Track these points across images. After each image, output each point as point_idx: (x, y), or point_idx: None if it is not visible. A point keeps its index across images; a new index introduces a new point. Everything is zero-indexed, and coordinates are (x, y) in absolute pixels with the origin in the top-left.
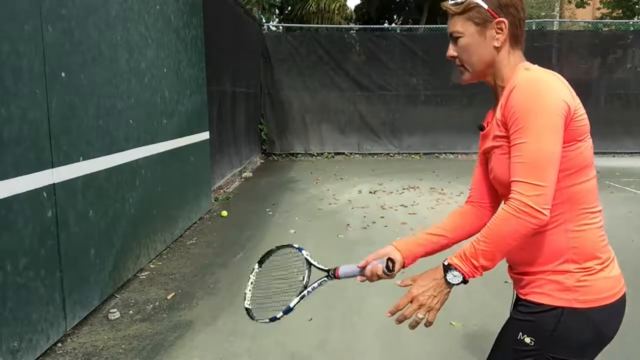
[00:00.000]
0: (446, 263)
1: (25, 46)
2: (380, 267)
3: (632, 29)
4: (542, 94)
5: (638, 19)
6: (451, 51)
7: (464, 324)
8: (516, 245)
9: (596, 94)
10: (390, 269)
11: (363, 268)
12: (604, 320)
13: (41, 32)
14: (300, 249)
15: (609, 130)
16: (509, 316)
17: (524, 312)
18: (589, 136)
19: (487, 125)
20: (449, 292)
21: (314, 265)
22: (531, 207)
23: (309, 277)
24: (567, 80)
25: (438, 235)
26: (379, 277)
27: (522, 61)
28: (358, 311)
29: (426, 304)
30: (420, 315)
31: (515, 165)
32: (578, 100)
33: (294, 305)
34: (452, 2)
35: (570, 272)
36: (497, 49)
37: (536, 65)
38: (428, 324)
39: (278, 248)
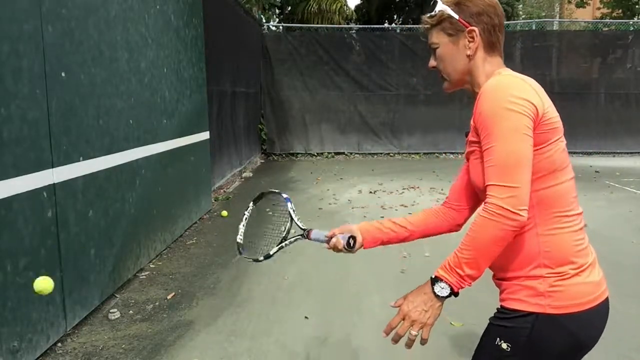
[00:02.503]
0: (433, 276)
1: (25, 46)
2: (342, 242)
3: (632, 29)
4: (506, 98)
5: (638, 19)
6: (431, 62)
7: (463, 324)
8: (498, 250)
9: (596, 93)
10: (350, 246)
11: (330, 238)
12: (580, 327)
13: (41, 32)
14: (287, 200)
15: (609, 130)
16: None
17: (501, 318)
18: (562, 139)
19: None
20: (440, 306)
21: (294, 221)
22: (506, 209)
23: (288, 231)
24: (567, 80)
25: (401, 226)
26: (339, 250)
27: (500, 67)
28: (358, 310)
29: (418, 319)
30: (413, 332)
31: (487, 170)
32: (549, 104)
33: (273, 253)
34: (428, 15)
35: (543, 277)
36: (470, 57)
37: (509, 70)
38: (423, 341)
39: (271, 193)
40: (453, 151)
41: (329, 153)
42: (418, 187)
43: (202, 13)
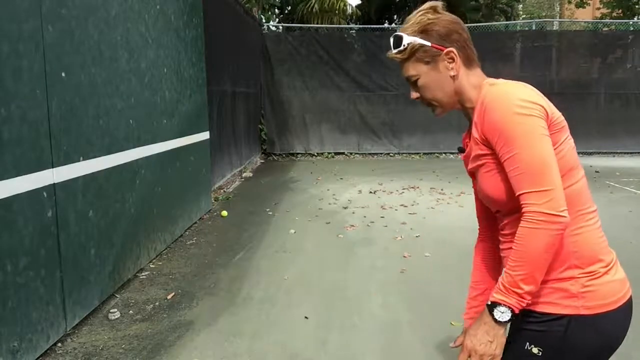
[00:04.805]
0: (489, 302)
1: (25, 46)
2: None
3: (632, 29)
4: (515, 103)
5: (638, 19)
6: (414, 94)
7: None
8: (549, 257)
9: (596, 93)
10: None
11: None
12: (612, 326)
13: (41, 32)
14: None
15: (609, 130)
16: (514, 326)
17: (531, 322)
18: (570, 137)
19: (466, 148)
20: (504, 332)
21: None
22: (548, 214)
23: None
24: (567, 80)
25: (479, 291)
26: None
27: (483, 78)
28: (358, 311)
29: (486, 352)
30: None
31: (515, 178)
32: (551, 104)
33: None
34: (395, 51)
35: (575, 278)
36: (454, 77)
37: (500, 79)
38: None
39: None
40: (453, 151)
41: (329, 153)
42: (418, 187)
43: (202, 13)
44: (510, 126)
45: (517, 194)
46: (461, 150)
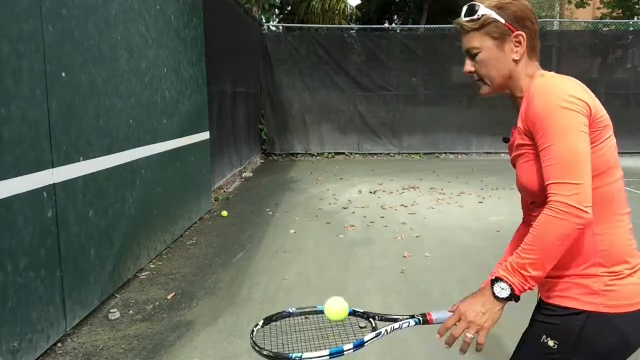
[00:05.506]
0: (494, 277)
1: (25, 46)
2: None
3: (632, 29)
4: (561, 97)
5: (638, 19)
6: (468, 67)
7: None
8: (563, 249)
9: (596, 93)
10: None
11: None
12: (631, 327)
13: (41, 32)
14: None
15: None
16: (531, 318)
17: (549, 315)
18: (612, 136)
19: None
20: (500, 310)
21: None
22: (572, 206)
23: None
24: None
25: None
26: None
27: (539, 70)
28: None
29: (475, 321)
30: (469, 335)
31: (547, 168)
32: (598, 102)
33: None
34: (467, 18)
35: (598, 276)
36: (516, 61)
37: (551, 72)
38: (479, 346)
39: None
40: (453, 151)
41: (329, 153)
42: (418, 187)
43: (202, 13)
44: (552, 118)
45: (546, 184)
46: (506, 140)
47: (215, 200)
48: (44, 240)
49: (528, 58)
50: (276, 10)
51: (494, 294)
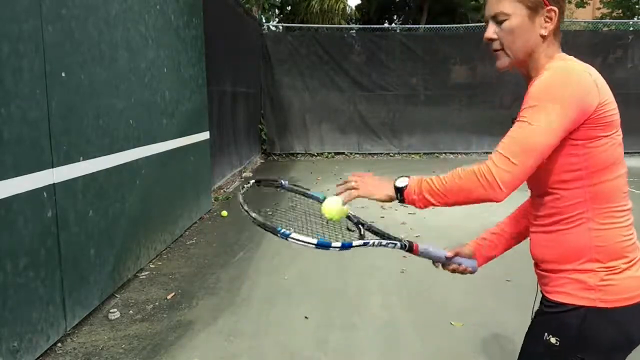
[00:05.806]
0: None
1: (25, 46)
2: (470, 269)
3: (632, 29)
4: (562, 83)
5: (638, 19)
6: (491, 33)
7: (463, 324)
8: (460, 203)
9: None
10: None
11: (449, 259)
12: (630, 321)
13: (41, 32)
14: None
15: None
16: (534, 314)
17: (549, 312)
18: (618, 132)
19: None
20: (385, 194)
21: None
22: (495, 180)
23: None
24: None
25: (497, 231)
26: (454, 271)
27: (560, 52)
28: (358, 311)
29: (359, 184)
30: (346, 191)
31: (505, 136)
32: (607, 96)
33: (356, 245)
34: None
35: (594, 271)
36: (544, 37)
37: (572, 57)
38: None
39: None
40: (453, 151)
41: (329, 153)
42: None
43: (202, 13)
44: (541, 98)
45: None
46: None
47: (215, 200)
48: (44, 240)
49: (553, 37)
50: (276, 10)
51: (394, 181)
